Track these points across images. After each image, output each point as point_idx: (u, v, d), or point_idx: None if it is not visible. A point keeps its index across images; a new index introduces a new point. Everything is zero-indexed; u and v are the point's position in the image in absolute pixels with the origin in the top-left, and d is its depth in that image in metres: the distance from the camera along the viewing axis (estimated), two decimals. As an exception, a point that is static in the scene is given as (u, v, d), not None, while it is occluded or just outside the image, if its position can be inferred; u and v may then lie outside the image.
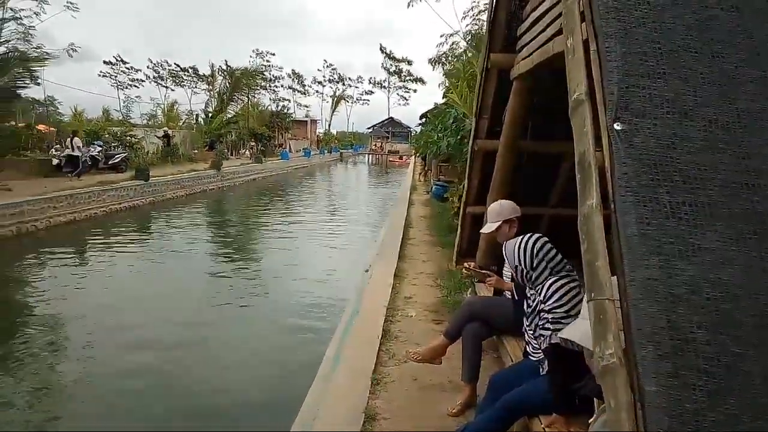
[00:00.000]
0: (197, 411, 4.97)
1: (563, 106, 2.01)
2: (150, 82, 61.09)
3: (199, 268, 10.30)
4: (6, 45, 16.32)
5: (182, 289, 8.93)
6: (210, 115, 35.44)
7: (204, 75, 53.03)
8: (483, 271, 3.68)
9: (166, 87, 61.10)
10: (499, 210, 3.47)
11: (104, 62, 58.98)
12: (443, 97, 15.38)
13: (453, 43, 17.83)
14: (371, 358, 4.01)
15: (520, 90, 4.18)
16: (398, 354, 4.14)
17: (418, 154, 25.29)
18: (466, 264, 3.79)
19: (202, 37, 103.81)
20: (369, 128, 74.86)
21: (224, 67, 41.68)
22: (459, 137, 7.32)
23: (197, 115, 38.56)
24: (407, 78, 74.77)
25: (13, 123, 20.19)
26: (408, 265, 7.21)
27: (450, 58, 18.36)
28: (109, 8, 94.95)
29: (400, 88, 77.61)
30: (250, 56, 49.73)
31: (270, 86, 46.03)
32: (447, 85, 16.66)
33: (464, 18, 16.99)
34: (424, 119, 21.34)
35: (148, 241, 13.01)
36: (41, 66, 18.52)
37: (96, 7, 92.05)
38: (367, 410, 3.26)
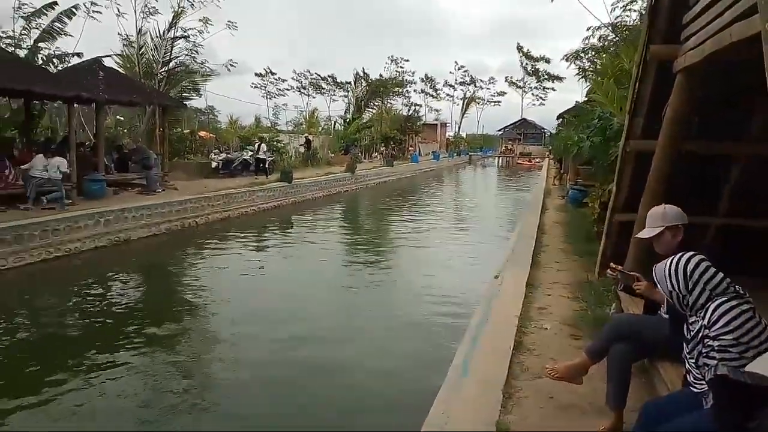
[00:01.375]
0: (326, 404, 5.17)
1: (735, 102, 1.70)
2: (294, 92, 65.91)
3: (332, 264, 10.88)
4: (176, 61, 18.66)
5: (317, 284, 9.46)
6: (347, 120, 37.21)
7: (342, 83, 55.89)
8: (633, 273, 3.30)
9: (308, 95, 65.53)
10: (662, 214, 3.05)
11: (255, 74, 64.79)
12: (586, 96, 14.49)
13: (600, 37, 16.73)
14: (502, 370, 3.84)
15: (685, 84, 3.70)
16: (532, 368, 3.91)
17: (553, 157, 24.08)
18: (612, 265, 3.40)
19: (342, 46, 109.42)
20: (500, 130, 73.10)
21: (362, 75, 43.62)
22: (604, 138, 6.76)
23: (335, 121, 40.71)
24: (544, 77, 71.71)
25: (180, 130, 23.02)
26: (542, 273, 6.84)
27: (591, 54, 17.24)
28: (261, 24, 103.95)
29: (536, 87, 74.69)
30: (385, 63, 51.19)
31: (403, 91, 46.99)
32: (587, 82, 15.70)
33: (613, 9, 15.83)
34: (561, 119, 20.26)
35: (289, 236, 14.03)
36: (204, 79, 20.94)
37: (251, 24, 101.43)
38: (499, 425, 3.11)
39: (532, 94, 75.70)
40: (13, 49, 14.04)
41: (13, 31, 14.62)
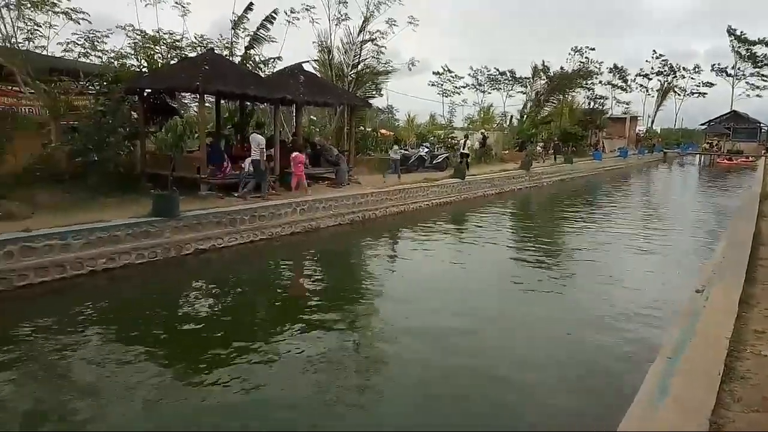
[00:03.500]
0: (491, 414, 5.10)
1: None
2: (469, 88, 65.81)
3: (503, 263, 10.67)
4: (364, 63, 19.93)
5: (487, 282, 9.39)
6: (524, 116, 36.02)
7: (520, 77, 54.20)
8: None
9: (483, 91, 64.89)
10: None
11: (433, 73, 66.17)
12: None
13: None
14: (710, 397, 3.37)
15: None
16: (747, 399, 3.37)
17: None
18: None
19: (523, 42, 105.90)
20: (703, 124, 63.82)
21: (540, 68, 41.74)
22: None
23: (511, 117, 39.70)
24: (763, 63, 60.77)
25: (362, 128, 24.60)
26: (759, 291, 5.84)
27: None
28: (441, 22, 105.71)
29: (753, 74, 63.59)
30: (568, 54, 48.20)
31: (587, 83, 43.75)
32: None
33: None
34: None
35: (460, 233, 14.12)
36: (386, 79, 22.07)
37: (431, 24, 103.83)
38: (704, 459, 2.76)
39: (746, 82, 64.64)
40: (228, 55, 16.33)
41: (231, 40, 16.99)
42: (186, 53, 15.14)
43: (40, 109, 12.43)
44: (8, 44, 11.74)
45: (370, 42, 20.31)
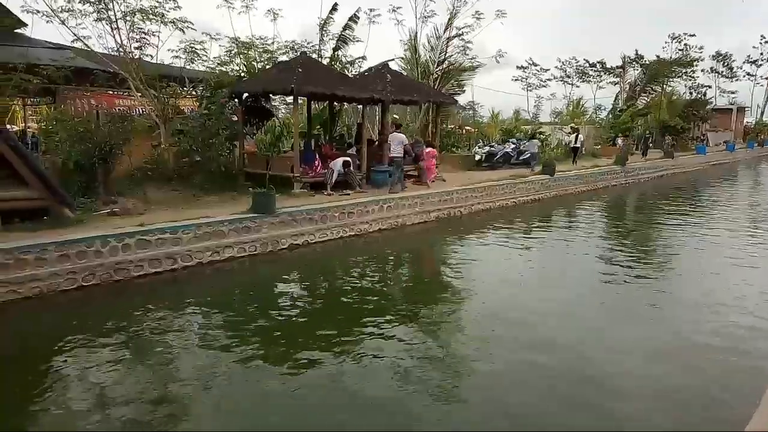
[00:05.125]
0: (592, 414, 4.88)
1: None
2: (556, 81, 63.23)
3: (594, 264, 10.13)
4: (449, 59, 19.78)
5: (575, 285, 8.98)
6: (618, 109, 34.11)
7: (612, 68, 51.30)
8: None
9: (572, 84, 62.06)
10: None
11: (517, 67, 64.34)
12: None
13: None
14: None
15: None
16: None
17: None
18: None
19: (614, 31, 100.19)
20: (824, 114, 57.12)
21: (633, 58, 39.32)
22: None
23: (605, 110, 37.75)
24: None
25: (446, 125, 24.45)
26: None
27: None
28: (529, 16, 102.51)
29: None
30: (665, 42, 44.97)
31: (687, 72, 40.55)
32: None
33: None
34: None
35: (548, 231, 13.65)
36: (472, 75, 21.77)
37: (515, 15, 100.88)
38: None
39: None
40: (316, 56, 16.83)
41: (318, 42, 17.53)
42: (277, 57, 15.83)
43: (151, 113, 13.51)
44: (122, 53, 12.86)
45: (456, 38, 20.15)
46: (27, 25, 14.65)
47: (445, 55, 20.26)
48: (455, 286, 8.97)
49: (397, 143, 13.49)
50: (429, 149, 15.29)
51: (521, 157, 20.51)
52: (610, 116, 34.10)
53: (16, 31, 14.38)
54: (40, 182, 8.71)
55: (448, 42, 20.12)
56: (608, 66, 54.93)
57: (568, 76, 62.08)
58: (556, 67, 62.31)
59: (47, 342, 6.44)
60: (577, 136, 23.07)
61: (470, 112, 42.89)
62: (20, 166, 8.56)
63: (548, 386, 5.30)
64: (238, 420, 4.77)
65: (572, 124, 26.85)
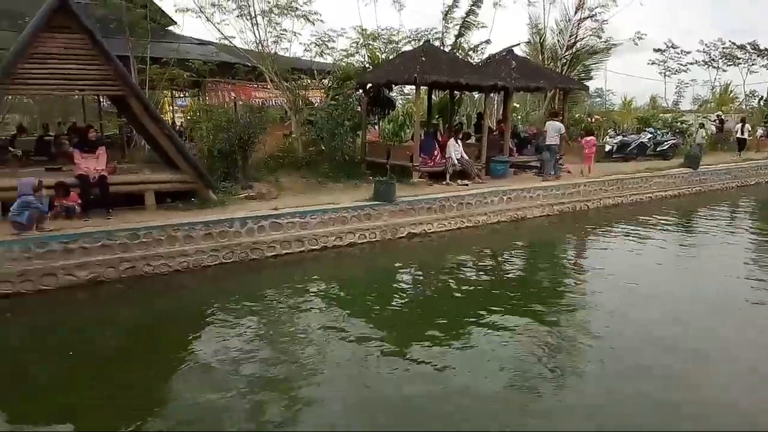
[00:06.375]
0: None
1: None
2: (699, 65, 56.67)
3: (742, 280, 8.67)
4: (580, 42, 18.59)
5: (714, 294, 7.97)
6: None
7: (765, 49, 44.84)
8: None
9: (717, 68, 55.22)
10: None
11: (654, 50, 58.64)
12: None
13: None
14: None
15: None
16: None
17: None
18: None
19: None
20: None
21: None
22: None
23: (760, 97, 33.25)
24: None
25: (571, 113, 22.99)
26: None
27: None
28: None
29: None
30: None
31: None
32: None
33: None
34: None
35: (688, 234, 12.34)
36: (605, 58, 20.25)
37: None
38: None
39: None
40: (439, 44, 16.62)
41: (442, 30, 17.25)
42: (401, 47, 15.95)
43: (283, 104, 14.36)
44: (260, 48, 13.77)
45: (588, 19, 18.84)
46: (177, 23, 16.32)
47: (576, 38, 19.05)
48: (573, 286, 8.46)
49: (554, 131, 13.58)
50: (589, 138, 15.23)
51: (659, 149, 18.77)
52: (762, 104, 29.94)
53: (168, 28, 16.02)
54: (190, 167, 9.66)
55: (579, 24, 18.89)
56: (762, 47, 48.08)
57: (713, 60, 55.40)
58: (698, 50, 55.94)
59: (196, 308, 7.33)
60: (743, 126, 20.80)
61: (598, 99, 40.13)
62: (174, 153, 9.56)
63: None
64: (349, 394, 5.00)
65: (719, 113, 24.01)
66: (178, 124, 18.11)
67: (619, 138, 18.61)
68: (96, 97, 14.67)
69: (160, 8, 14.51)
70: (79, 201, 8.57)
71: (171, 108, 21.12)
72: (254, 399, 4.86)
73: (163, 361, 5.76)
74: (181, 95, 20.29)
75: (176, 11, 14.08)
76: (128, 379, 5.25)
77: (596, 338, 6.23)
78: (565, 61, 19.06)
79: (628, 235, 11.54)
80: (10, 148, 13.10)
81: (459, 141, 13.18)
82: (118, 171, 9.73)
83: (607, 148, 18.29)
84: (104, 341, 6.24)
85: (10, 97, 15.13)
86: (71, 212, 8.45)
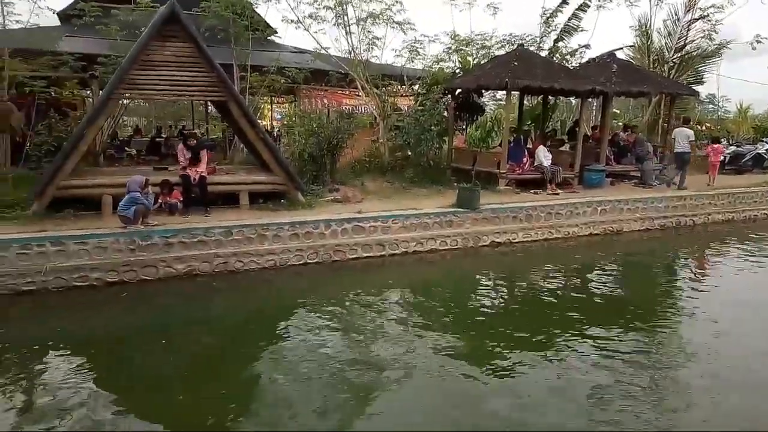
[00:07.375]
0: None
1: None
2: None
3: None
4: (691, 45, 17.17)
5: None
6: None
7: None
8: None
9: None
10: None
11: (781, 50, 52.95)
12: None
13: None
14: None
15: None
16: None
17: None
18: None
19: None
20: None
21: None
22: None
23: None
24: None
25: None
26: None
27: None
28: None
29: None
30: None
31: None
32: None
33: None
34: None
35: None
36: (714, 62, 18.53)
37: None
38: None
39: None
40: (536, 49, 16.03)
41: (540, 34, 16.64)
42: (494, 52, 15.61)
43: (372, 110, 14.60)
44: (353, 55, 14.12)
45: (700, 20, 17.34)
46: (276, 32, 17.15)
47: (685, 40, 17.60)
48: (674, 309, 7.76)
49: (684, 138, 13.17)
50: (717, 145, 14.85)
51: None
52: None
53: (269, 38, 16.89)
54: (281, 170, 10.10)
55: (689, 25, 17.45)
56: None
57: None
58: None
59: (283, 303, 7.74)
60: None
61: (711, 106, 36.84)
62: (268, 156, 10.04)
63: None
64: (431, 403, 4.90)
65: None
66: (276, 129, 19.03)
67: (733, 148, 16.95)
68: (204, 102, 15.79)
69: (263, 19, 15.35)
70: (181, 198, 9.27)
71: (270, 114, 22.23)
72: (335, 402, 4.91)
73: (251, 357, 5.94)
74: (278, 102, 21.29)
75: (282, 21, 14.83)
76: (218, 371, 5.58)
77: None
78: (672, 64, 17.68)
79: (740, 255, 10.41)
80: (126, 148, 14.49)
81: (548, 148, 12.69)
82: (216, 172, 10.39)
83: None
84: (198, 333, 6.62)
85: (125, 100, 16.68)
86: (174, 209, 9.15)
